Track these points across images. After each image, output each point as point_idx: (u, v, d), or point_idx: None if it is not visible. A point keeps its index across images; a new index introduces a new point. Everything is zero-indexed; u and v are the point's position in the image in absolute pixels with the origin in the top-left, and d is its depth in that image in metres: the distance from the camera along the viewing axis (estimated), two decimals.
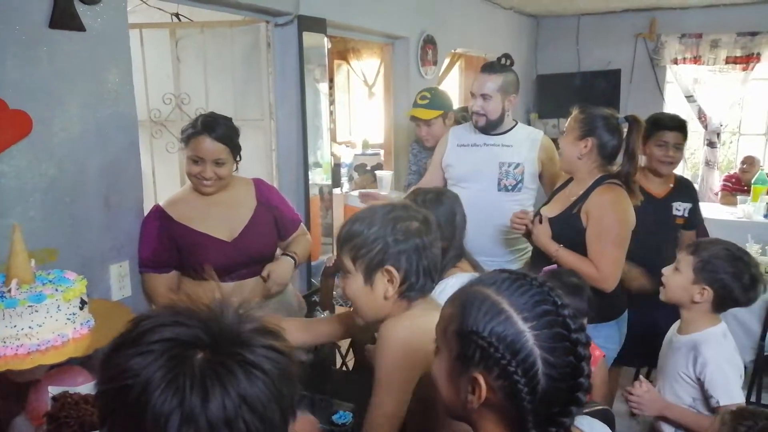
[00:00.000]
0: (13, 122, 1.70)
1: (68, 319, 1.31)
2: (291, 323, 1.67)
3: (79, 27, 1.83)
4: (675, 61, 5.74)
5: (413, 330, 1.20)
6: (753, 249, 3.35)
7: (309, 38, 2.94)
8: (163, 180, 3.08)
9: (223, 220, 2.03)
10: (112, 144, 2.01)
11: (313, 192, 3.18)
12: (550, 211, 2.23)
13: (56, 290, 1.31)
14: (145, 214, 2.11)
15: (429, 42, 4.11)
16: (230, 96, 2.98)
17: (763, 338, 2.83)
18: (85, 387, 1.24)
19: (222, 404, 0.61)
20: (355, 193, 3.36)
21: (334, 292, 2.35)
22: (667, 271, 1.81)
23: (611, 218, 2.06)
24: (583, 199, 2.11)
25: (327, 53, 3.13)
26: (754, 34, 5.43)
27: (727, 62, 5.56)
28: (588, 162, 2.13)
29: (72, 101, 1.86)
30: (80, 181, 1.92)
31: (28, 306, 1.24)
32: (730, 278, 1.68)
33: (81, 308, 1.35)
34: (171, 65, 3.00)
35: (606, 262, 2.05)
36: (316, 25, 2.98)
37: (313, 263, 3.21)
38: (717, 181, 5.76)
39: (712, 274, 1.69)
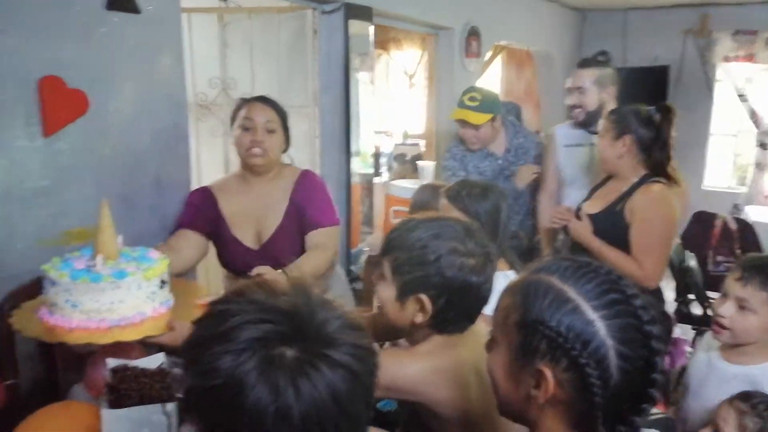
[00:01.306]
0: (71, 101, 1.74)
1: (148, 297, 1.32)
2: None
3: (135, 9, 1.87)
4: (726, 59, 5.54)
5: (406, 371, 1.13)
6: None
7: (355, 26, 2.93)
8: (206, 164, 3.13)
9: (255, 223, 1.96)
10: (163, 126, 2.04)
11: (354, 180, 3.19)
12: (592, 207, 2.20)
13: (138, 268, 1.32)
14: None
15: (473, 33, 4.06)
16: (275, 81, 3.00)
17: None
18: (142, 361, 1.26)
19: (313, 401, 0.62)
20: (397, 182, 3.36)
21: None
22: (725, 310, 1.49)
23: (657, 216, 2.03)
24: (627, 196, 2.08)
25: (371, 42, 3.12)
26: None
27: None
28: (629, 159, 2.10)
29: (126, 82, 1.90)
30: (132, 162, 1.96)
31: (111, 282, 1.26)
32: None
33: (161, 287, 1.36)
34: (218, 49, 3.04)
35: (650, 261, 2.01)
36: (363, 13, 2.97)
37: (352, 251, 3.22)
38: (767, 184, 5.57)
39: None
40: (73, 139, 1.78)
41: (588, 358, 0.77)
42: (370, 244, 2.44)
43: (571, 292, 0.81)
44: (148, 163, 2.02)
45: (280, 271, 1.66)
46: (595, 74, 2.49)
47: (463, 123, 2.66)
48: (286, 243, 1.94)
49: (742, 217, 4.41)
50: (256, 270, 1.63)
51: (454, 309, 1.13)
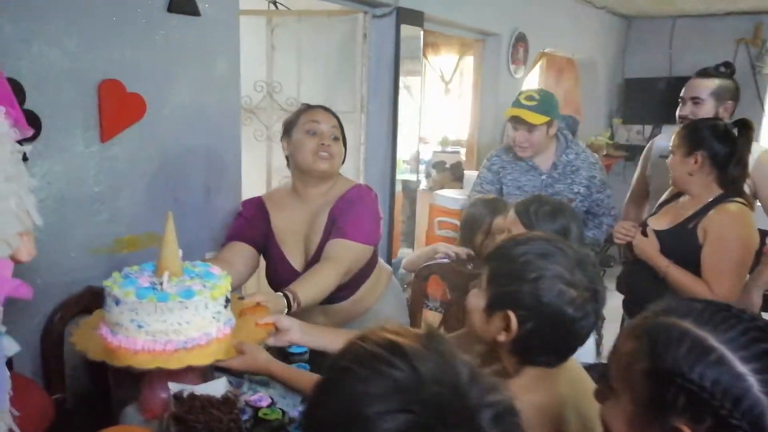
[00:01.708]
0: (130, 105, 1.70)
1: (213, 317, 1.26)
2: None
3: (195, 11, 1.82)
4: None
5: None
6: None
7: (406, 31, 2.86)
8: (248, 168, 3.06)
9: (304, 241, 1.83)
10: (216, 132, 1.99)
11: (398, 189, 3.11)
12: (658, 223, 2.09)
13: (204, 286, 1.26)
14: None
15: (521, 40, 3.96)
16: (322, 86, 2.94)
17: None
18: (204, 387, 1.20)
19: None
20: (443, 192, 3.26)
21: (427, 301, 2.27)
22: None
23: (733, 238, 1.90)
24: (701, 215, 1.96)
25: (421, 47, 3.04)
26: None
27: None
28: (702, 177, 1.97)
29: (182, 86, 1.85)
30: (184, 168, 1.91)
31: (179, 301, 1.20)
32: None
33: (225, 306, 1.30)
34: (265, 52, 2.98)
35: (722, 285, 1.89)
36: (414, 17, 2.89)
37: (393, 260, 3.15)
38: None
39: None
40: (128, 144, 1.73)
41: (741, 419, 0.67)
42: (411, 260, 2.35)
43: (713, 340, 0.71)
44: (198, 170, 1.96)
45: (279, 294, 1.51)
46: (714, 85, 2.34)
47: (517, 123, 2.43)
48: None
49: None
50: (250, 298, 1.47)
51: (541, 338, 1.02)
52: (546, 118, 2.40)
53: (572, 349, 1.06)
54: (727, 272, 1.89)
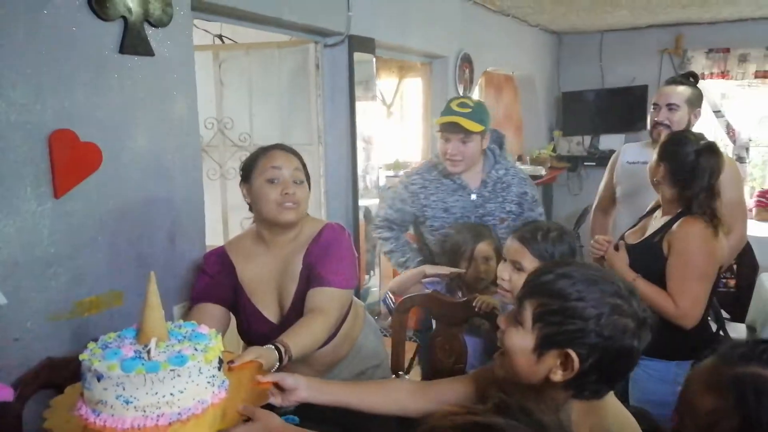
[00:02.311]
0: (84, 156, 1.57)
1: (209, 382, 1.14)
2: (402, 388, 1.42)
3: (148, 51, 1.71)
4: (702, 76, 5.65)
5: None
6: None
7: (358, 58, 2.82)
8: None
9: (275, 291, 1.72)
10: (178, 176, 1.87)
11: (361, 217, 3.05)
12: (633, 237, 2.12)
13: (196, 350, 1.14)
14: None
15: (466, 60, 4.01)
16: (276, 120, 2.86)
17: None
18: None
19: None
20: None
21: (410, 333, 2.20)
22: None
23: (696, 251, 1.90)
24: (667, 228, 1.98)
25: (374, 74, 3.01)
26: None
27: (756, 76, 5.48)
28: (666, 187, 2.00)
29: (140, 131, 1.73)
30: (147, 218, 1.78)
31: (171, 370, 1.07)
32: None
33: (219, 368, 1.18)
34: (213, 89, 2.87)
35: (686, 298, 1.89)
36: (366, 45, 2.87)
37: (360, 291, 3.07)
38: (748, 196, 5.66)
39: None
40: (84, 198, 1.59)
41: None
42: (399, 283, 2.26)
43: None
44: (161, 219, 1.84)
45: (270, 346, 1.40)
46: (687, 93, 2.39)
47: (451, 132, 2.19)
48: None
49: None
50: (241, 359, 1.32)
51: (600, 373, 0.99)
52: (482, 127, 2.21)
53: (625, 377, 1.04)
54: (689, 285, 1.89)
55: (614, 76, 5.89)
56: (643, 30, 5.74)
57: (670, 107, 2.38)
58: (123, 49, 1.62)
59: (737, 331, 3.31)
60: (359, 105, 2.88)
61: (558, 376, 1.01)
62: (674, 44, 5.69)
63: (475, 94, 5.88)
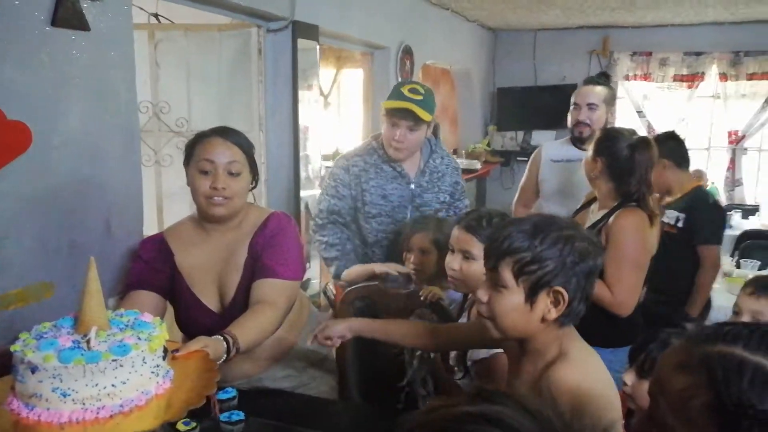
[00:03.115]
0: (12, 135, 1.45)
1: (153, 372, 1.10)
2: (420, 326, 1.60)
3: (83, 26, 1.60)
4: (627, 78, 5.95)
5: (589, 379, 1.12)
6: (726, 262, 3.48)
7: (302, 45, 2.77)
8: None
9: (216, 280, 1.66)
10: (115, 159, 1.77)
11: (302, 207, 3.00)
12: None
13: (139, 339, 1.10)
14: None
15: (407, 52, 4.02)
16: (215, 105, 2.76)
17: None
18: None
19: None
20: None
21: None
22: None
23: (630, 242, 1.99)
24: (604, 221, 2.07)
25: (318, 62, 2.96)
26: (698, 54, 5.72)
27: (674, 80, 5.82)
28: (603, 181, 2.08)
29: (74, 110, 1.62)
30: (80, 203, 1.67)
31: (112, 360, 1.03)
32: None
33: (163, 358, 1.14)
34: (148, 70, 2.73)
35: (621, 287, 1.98)
36: (310, 31, 2.81)
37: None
38: None
39: None
40: (11, 181, 1.47)
41: None
42: (357, 273, 2.22)
43: None
44: (97, 205, 1.73)
45: (218, 337, 1.36)
46: (604, 93, 2.50)
47: (401, 118, 2.12)
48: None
49: None
50: (187, 348, 1.29)
51: (579, 297, 1.13)
52: (431, 117, 2.16)
53: (591, 296, 1.18)
54: (625, 276, 1.97)
55: (546, 73, 6.09)
56: (573, 30, 5.96)
57: (590, 106, 2.50)
58: (55, 21, 1.51)
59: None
60: (302, 94, 2.83)
61: (552, 313, 1.13)
62: (602, 46, 5.95)
63: None
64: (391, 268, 2.10)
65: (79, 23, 1.57)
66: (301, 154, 2.90)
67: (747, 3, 4.54)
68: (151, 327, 1.16)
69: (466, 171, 4.86)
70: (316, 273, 3.42)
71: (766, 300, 1.56)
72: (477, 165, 5.34)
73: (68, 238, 1.64)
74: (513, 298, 1.13)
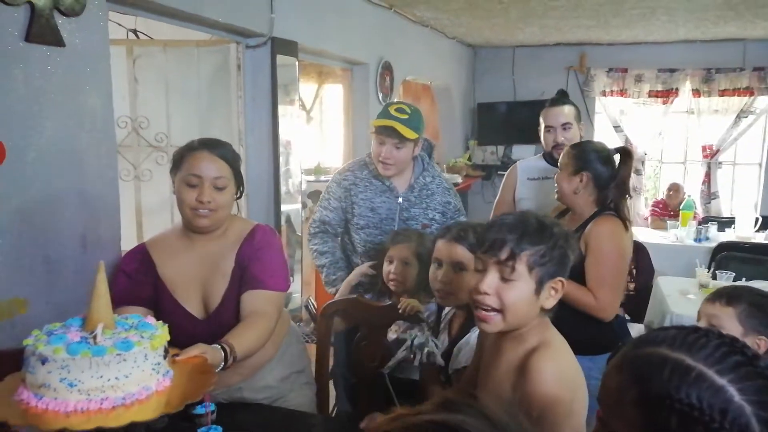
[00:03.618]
0: None
1: (153, 369, 1.18)
2: None
3: (58, 41, 1.60)
4: (603, 93, 6.07)
5: (570, 368, 1.22)
6: (703, 273, 3.53)
7: (281, 61, 2.79)
8: None
9: (200, 289, 1.68)
10: (91, 174, 1.76)
11: (283, 222, 3.00)
12: None
13: (142, 337, 1.19)
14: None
15: (386, 68, 4.07)
16: (195, 121, 2.76)
17: None
18: None
19: None
20: None
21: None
22: None
23: (610, 248, 2.06)
24: (582, 229, 2.11)
25: (297, 78, 2.99)
26: (672, 70, 5.86)
27: (649, 95, 5.95)
28: (585, 195, 2.13)
29: (48, 126, 1.62)
30: (55, 219, 1.66)
31: (117, 354, 1.12)
32: None
33: (164, 357, 1.22)
34: (127, 86, 2.73)
35: (604, 292, 2.03)
36: (289, 48, 2.84)
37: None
38: (643, 207, 6.11)
39: (761, 321, 1.60)
40: None
41: (730, 429, 0.70)
42: (342, 292, 2.24)
43: (689, 360, 0.75)
44: (73, 220, 1.72)
45: (216, 346, 1.41)
46: (573, 111, 2.50)
47: (387, 136, 2.21)
48: (237, 311, 1.64)
49: (634, 239, 4.78)
50: (186, 353, 1.34)
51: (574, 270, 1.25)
52: (416, 135, 2.26)
53: None
54: (608, 281, 2.03)
55: (525, 89, 6.19)
56: (551, 47, 6.08)
57: (565, 126, 2.48)
58: (29, 37, 1.51)
59: (637, 331, 3.55)
60: (281, 109, 2.85)
61: (550, 302, 1.23)
62: (579, 62, 6.07)
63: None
64: (358, 274, 2.14)
65: (54, 39, 1.58)
66: (282, 168, 2.91)
67: (715, 23, 4.67)
68: (154, 328, 1.25)
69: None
70: (297, 288, 3.42)
71: (720, 305, 1.65)
72: (458, 179, 5.39)
73: (42, 254, 1.63)
74: (525, 289, 1.20)
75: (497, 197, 2.84)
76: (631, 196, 2.21)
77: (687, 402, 0.72)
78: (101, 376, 1.10)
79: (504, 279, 1.21)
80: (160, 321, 1.28)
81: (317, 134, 6.97)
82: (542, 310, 1.24)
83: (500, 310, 1.22)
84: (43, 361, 1.10)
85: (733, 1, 3.80)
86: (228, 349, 1.41)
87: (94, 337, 1.14)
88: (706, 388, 0.72)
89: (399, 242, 2.14)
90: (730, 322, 1.61)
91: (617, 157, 2.13)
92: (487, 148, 6.34)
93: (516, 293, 1.20)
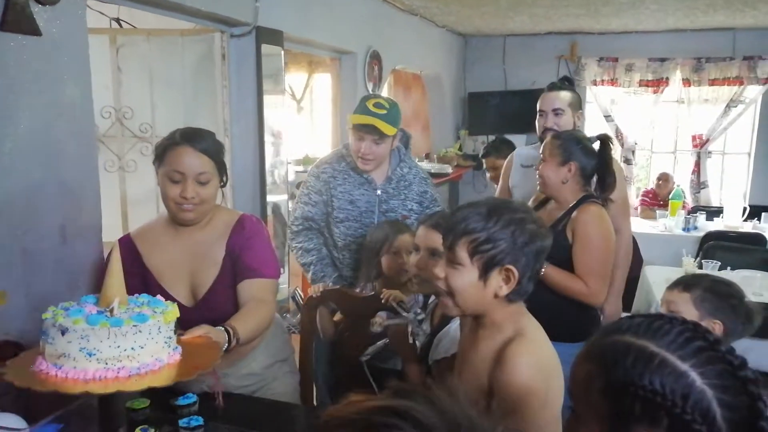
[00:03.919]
0: None
1: (166, 342, 1.26)
2: None
3: (34, 30, 1.58)
4: (594, 83, 6.06)
5: (544, 356, 1.21)
6: (689, 262, 3.55)
7: (266, 50, 2.77)
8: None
9: (188, 277, 1.70)
10: (70, 165, 1.75)
11: (268, 212, 3.00)
12: None
13: (155, 312, 1.26)
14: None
15: (374, 58, 4.05)
16: (180, 110, 2.74)
17: None
18: None
19: None
20: None
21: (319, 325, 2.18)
22: None
23: (597, 234, 2.08)
24: (567, 216, 2.12)
25: (283, 67, 2.97)
26: (663, 60, 5.86)
27: (640, 85, 5.95)
28: (572, 184, 2.14)
29: (25, 116, 1.60)
30: (34, 210, 1.65)
31: (133, 326, 1.20)
32: (732, 310, 1.68)
33: (175, 332, 1.31)
34: (111, 75, 2.71)
35: (595, 278, 2.05)
36: (274, 37, 2.82)
37: None
38: (634, 196, 6.13)
39: (716, 305, 1.67)
40: None
41: (692, 413, 0.71)
42: (316, 289, 2.23)
43: (653, 347, 0.76)
44: (51, 211, 1.71)
45: (220, 328, 1.45)
46: (568, 97, 2.48)
47: (366, 132, 2.21)
48: (226, 298, 1.67)
49: None
50: (191, 333, 1.40)
51: (531, 269, 1.22)
52: (395, 130, 2.25)
53: (539, 275, 1.28)
54: (597, 266, 2.05)
55: (516, 79, 6.17)
56: (542, 36, 6.06)
57: (556, 112, 2.47)
58: (4, 26, 1.49)
59: None
60: (267, 98, 2.83)
61: (504, 290, 1.21)
62: (570, 51, 6.06)
63: (384, 92, 5.97)
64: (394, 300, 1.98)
65: (30, 28, 1.56)
66: (268, 158, 2.90)
67: (705, 11, 4.67)
68: (164, 305, 1.33)
69: (438, 175, 4.91)
70: (285, 278, 3.42)
71: (678, 291, 1.73)
72: (448, 169, 5.38)
73: (20, 247, 1.62)
74: (468, 275, 1.22)
75: (498, 185, 2.87)
76: (620, 182, 2.22)
77: (650, 388, 0.73)
78: (119, 346, 1.18)
79: (451, 264, 1.23)
80: (169, 301, 1.36)
81: (308, 124, 6.95)
82: (505, 299, 1.23)
83: (452, 295, 1.25)
84: (63, 331, 1.17)
85: None
86: (231, 331, 1.46)
87: (111, 311, 1.22)
88: (668, 373, 0.73)
89: (403, 231, 2.13)
90: (686, 307, 1.69)
91: (596, 145, 2.14)
92: (478, 137, 6.32)
93: (460, 279, 1.23)
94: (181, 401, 1.48)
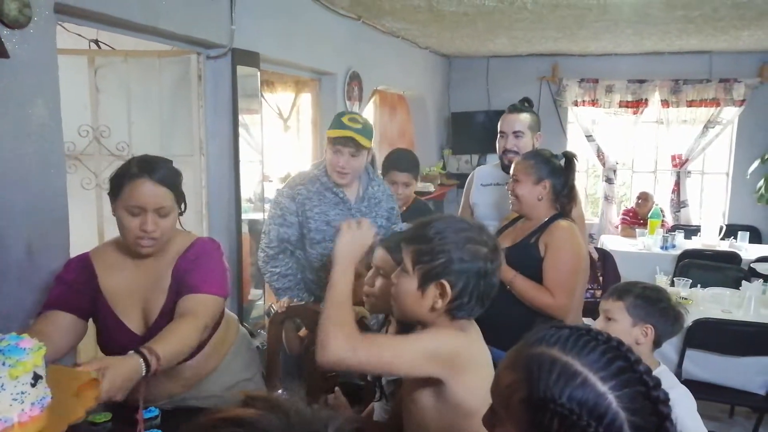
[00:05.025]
0: None
1: (14, 399, 1.08)
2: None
3: (2, 53, 1.63)
4: (575, 103, 6.17)
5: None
6: (662, 280, 3.60)
7: (242, 71, 2.83)
8: (76, 221, 2.78)
9: (141, 303, 1.68)
10: (37, 184, 1.79)
11: (245, 229, 3.04)
12: (505, 241, 2.27)
13: (3, 364, 1.09)
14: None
15: (354, 78, 4.12)
16: (156, 130, 2.79)
17: (680, 365, 3.02)
18: None
19: None
20: None
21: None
22: (599, 325, 1.84)
23: (569, 250, 2.14)
24: (540, 231, 2.18)
25: (258, 88, 3.03)
26: (642, 81, 5.97)
27: (620, 106, 6.06)
28: (546, 202, 2.21)
29: None
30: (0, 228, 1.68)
31: None
32: (661, 313, 1.78)
33: (33, 385, 1.12)
34: (89, 95, 2.76)
35: (562, 292, 2.10)
36: (250, 58, 2.88)
37: (244, 305, 3.05)
38: (615, 215, 6.20)
39: (646, 311, 1.76)
40: None
41: None
42: (281, 304, 2.26)
43: (578, 365, 0.78)
44: (18, 229, 1.75)
45: (130, 353, 1.37)
46: (528, 119, 2.54)
47: (343, 145, 2.27)
48: None
49: (600, 246, 4.87)
50: (87, 366, 1.30)
51: (470, 294, 1.23)
52: (370, 144, 2.35)
53: (490, 298, 1.28)
54: (566, 280, 2.11)
55: (499, 99, 6.26)
56: (524, 58, 6.17)
57: (517, 134, 2.54)
58: None
59: None
60: (245, 118, 2.89)
61: (439, 304, 1.24)
62: (551, 73, 6.17)
63: (369, 112, 6.04)
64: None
65: None
66: (244, 177, 2.94)
67: (678, 36, 4.78)
68: (23, 353, 1.13)
69: (422, 193, 4.96)
70: (260, 293, 3.45)
71: (612, 300, 1.82)
72: (431, 188, 5.45)
73: None
74: (409, 283, 1.27)
75: (461, 203, 2.93)
76: (578, 200, 2.31)
77: (569, 407, 0.76)
78: None
79: (402, 270, 1.30)
80: (38, 343, 1.18)
81: (294, 142, 7.01)
82: (447, 315, 1.26)
83: (395, 299, 1.32)
84: None
85: (691, 15, 3.90)
86: (146, 352, 1.38)
87: None
88: (588, 393, 0.76)
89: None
90: (620, 314, 1.78)
91: (562, 162, 2.21)
92: (461, 157, 6.41)
93: (403, 285, 1.29)
94: (144, 415, 1.49)
